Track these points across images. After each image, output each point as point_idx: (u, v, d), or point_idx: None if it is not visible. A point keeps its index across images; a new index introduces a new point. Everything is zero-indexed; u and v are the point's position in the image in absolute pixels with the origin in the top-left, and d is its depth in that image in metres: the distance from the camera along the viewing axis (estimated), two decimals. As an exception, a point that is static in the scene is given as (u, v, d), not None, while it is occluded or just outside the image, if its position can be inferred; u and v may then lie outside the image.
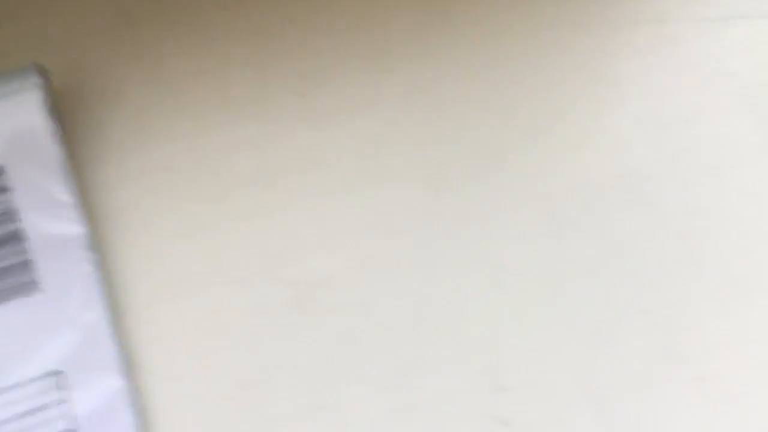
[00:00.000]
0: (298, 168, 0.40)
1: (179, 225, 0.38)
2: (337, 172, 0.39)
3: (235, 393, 0.37)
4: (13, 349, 0.35)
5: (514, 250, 0.39)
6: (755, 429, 0.37)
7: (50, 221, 0.37)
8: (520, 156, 0.41)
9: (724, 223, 0.40)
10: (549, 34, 0.44)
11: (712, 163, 0.41)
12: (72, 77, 0.39)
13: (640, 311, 0.38)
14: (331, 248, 0.39)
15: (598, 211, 0.40)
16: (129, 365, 0.36)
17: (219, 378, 0.37)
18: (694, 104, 0.42)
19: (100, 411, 0.35)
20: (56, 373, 0.35)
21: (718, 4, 0.45)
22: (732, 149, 0.41)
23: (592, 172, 0.40)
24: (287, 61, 0.40)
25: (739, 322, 0.38)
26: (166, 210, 0.38)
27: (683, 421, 0.36)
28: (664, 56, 0.43)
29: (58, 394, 0.35)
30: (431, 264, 0.38)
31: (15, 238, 0.36)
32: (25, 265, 0.36)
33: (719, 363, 0.37)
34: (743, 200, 0.41)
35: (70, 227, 0.37)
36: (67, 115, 0.39)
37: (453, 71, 0.42)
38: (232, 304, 0.38)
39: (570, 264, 0.39)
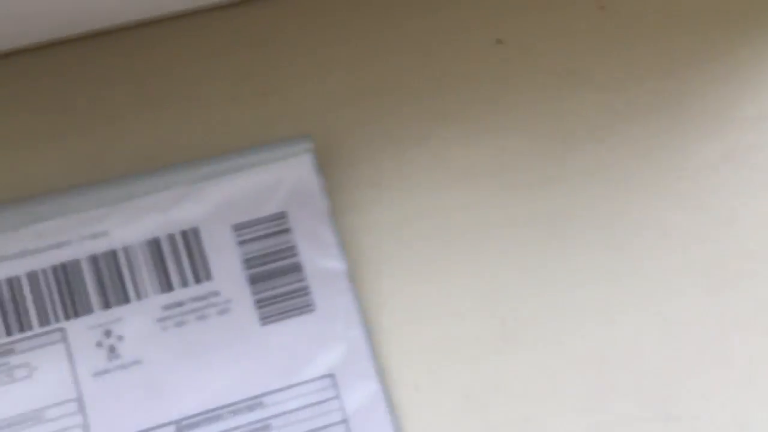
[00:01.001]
0: (509, 225, 0.49)
1: (411, 266, 0.48)
2: (543, 231, 0.48)
3: (461, 404, 0.46)
4: (298, 355, 0.45)
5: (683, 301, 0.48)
6: None
7: (320, 257, 0.46)
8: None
9: None
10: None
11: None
12: (329, 140, 0.49)
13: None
14: (535, 293, 0.48)
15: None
16: (382, 374, 0.45)
17: (449, 391, 0.46)
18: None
19: (364, 408, 0.45)
20: (330, 376, 0.45)
21: None
22: None
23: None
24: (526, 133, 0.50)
25: None
26: (401, 253, 0.48)
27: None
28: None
29: (332, 392, 0.45)
30: (609, 309, 0.47)
31: (295, 269, 0.46)
32: (303, 291, 0.46)
33: None
34: None
35: (335, 263, 0.46)
36: (327, 172, 0.48)
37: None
38: (455, 332, 0.47)
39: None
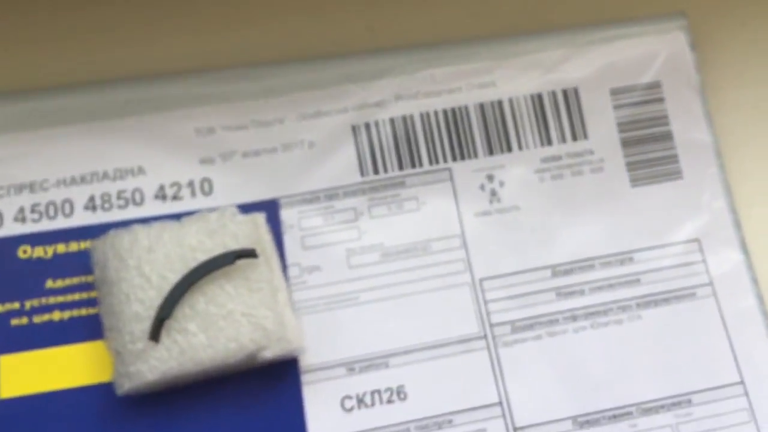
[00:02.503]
0: None
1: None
2: None
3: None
4: (666, 218, 0.47)
5: None
6: None
7: (690, 128, 0.48)
8: None
9: None
10: None
11: None
12: (702, 19, 0.51)
13: None
14: None
15: None
16: (743, 245, 0.47)
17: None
18: None
19: (729, 275, 0.46)
20: (696, 241, 0.47)
21: None
22: None
23: None
24: None
25: None
26: (762, 135, 0.49)
27: None
28: None
29: (698, 256, 0.46)
30: None
31: (666, 137, 0.48)
32: (672, 158, 0.48)
33: None
34: None
35: (703, 135, 0.48)
36: (700, 49, 0.50)
37: None
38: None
39: None
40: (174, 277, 0.41)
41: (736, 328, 0.46)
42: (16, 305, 0.43)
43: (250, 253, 0.41)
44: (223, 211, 0.43)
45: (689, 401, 0.45)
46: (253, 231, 0.42)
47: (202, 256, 0.41)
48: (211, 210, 0.43)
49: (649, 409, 0.45)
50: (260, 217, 0.43)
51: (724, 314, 0.46)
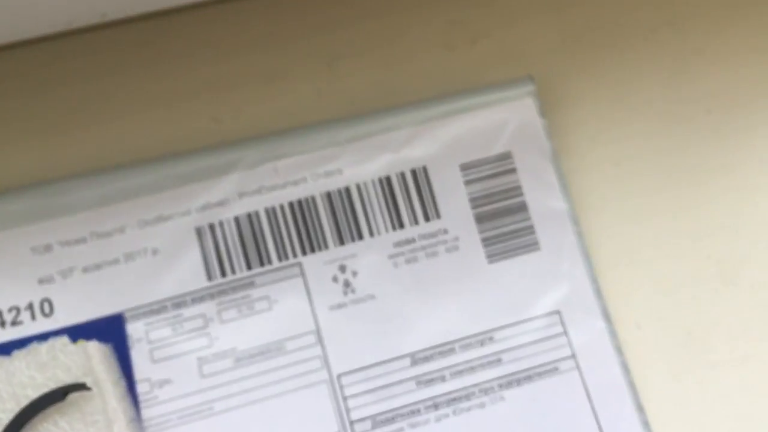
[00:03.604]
0: (721, 168, 0.49)
1: (629, 208, 0.48)
2: (755, 173, 0.49)
3: (682, 341, 0.47)
4: (525, 292, 0.46)
5: None
6: None
7: (544, 197, 0.47)
8: None
9: None
10: None
11: None
12: (549, 81, 0.50)
13: None
14: (749, 233, 0.48)
15: None
16: (605, 312, 0.46)
17: (669, 328, 0.47)
18: None
19: (591, 344, 0.46)
20: (557, 313, 0.46)
21: None
22: None
23: None
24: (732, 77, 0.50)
25: None
26: (619, 195, 0.49)
27: None
28: None
29: (559, 328, 0.46)
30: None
31: (520, 208, 0.47)
32: (528, 230, 0.47)
33: None
34: None
35: (558, 203, 0.47)
36: (549, 113, 0.49)
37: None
38: (671, 273, 0.48)
39: None
40: (6, 418, 0.39)
41: (601, 400, 0.45)
42: None
43: (81, 387, 0.40)
44: (54, 343, 0.42)
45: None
46: (86, 361, 0.41)
47: (33, 393, 0.40)
48: (42, 341, 0.42)
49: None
50: (92, 347, 0.41)
51: (588, 387, 0.45)
